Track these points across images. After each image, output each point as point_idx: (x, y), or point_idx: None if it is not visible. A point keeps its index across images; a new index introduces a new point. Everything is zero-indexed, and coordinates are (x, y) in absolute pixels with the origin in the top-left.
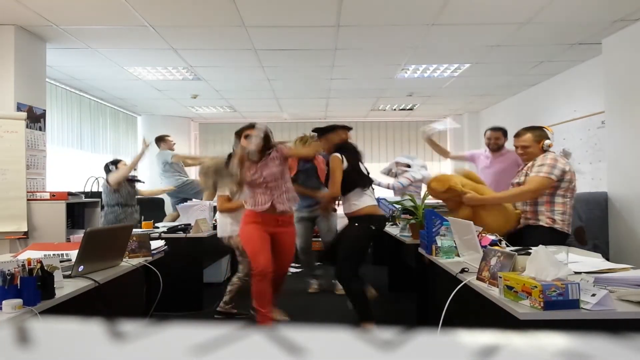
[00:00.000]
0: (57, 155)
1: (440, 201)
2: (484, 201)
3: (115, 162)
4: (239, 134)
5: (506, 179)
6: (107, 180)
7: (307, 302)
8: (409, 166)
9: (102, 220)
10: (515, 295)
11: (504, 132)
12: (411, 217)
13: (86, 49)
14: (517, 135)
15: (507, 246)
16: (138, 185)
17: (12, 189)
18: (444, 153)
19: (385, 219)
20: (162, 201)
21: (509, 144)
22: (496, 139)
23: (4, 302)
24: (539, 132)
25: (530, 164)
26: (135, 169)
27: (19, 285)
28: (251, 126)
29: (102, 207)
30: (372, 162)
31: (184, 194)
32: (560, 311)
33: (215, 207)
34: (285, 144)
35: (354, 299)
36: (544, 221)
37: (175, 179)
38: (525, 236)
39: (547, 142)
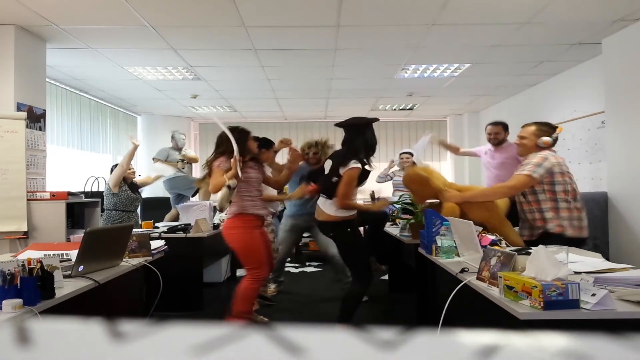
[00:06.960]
0: (57, 155)
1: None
2: (463, 198)
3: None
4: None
5: (507, 172)
6: (107, 183)
7: (308, 302)
8: (411, 155)
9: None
10: (515, 295)
11: (504, 126)
12: (411, 217)
13: (86, 49)
14: (523, 127)
15: (507, 246)
16: (140, 189)
17: (12, 189)
18: (454, 150)
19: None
20: (167, 199)
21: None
22: (496, 133)
23: (4, 302)
24: (545, 128)
25: (524, 160)
26: (134, 179)
27: (19, 285)
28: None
29: (103, 210)
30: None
31: (178, 189)
32: (560, 311)
33: (215, 207)
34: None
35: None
36: (553, 229)
37: (172, 171)
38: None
39: (543, 139)
